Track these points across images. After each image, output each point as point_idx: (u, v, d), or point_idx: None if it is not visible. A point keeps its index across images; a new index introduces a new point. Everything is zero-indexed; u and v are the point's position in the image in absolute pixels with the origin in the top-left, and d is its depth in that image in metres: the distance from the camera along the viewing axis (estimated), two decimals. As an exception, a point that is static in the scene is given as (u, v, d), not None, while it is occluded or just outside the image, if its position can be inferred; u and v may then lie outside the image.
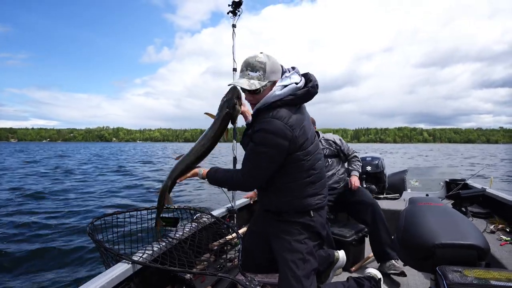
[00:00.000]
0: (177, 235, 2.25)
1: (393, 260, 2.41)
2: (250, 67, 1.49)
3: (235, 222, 3.05)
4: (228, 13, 3.39)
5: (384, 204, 3.94)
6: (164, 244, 2.07)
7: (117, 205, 8.50)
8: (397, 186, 4.92)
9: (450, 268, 1.67)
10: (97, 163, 26.69)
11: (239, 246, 2.09)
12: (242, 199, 3.48)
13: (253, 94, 1.53)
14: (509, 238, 2.57)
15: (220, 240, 2.46)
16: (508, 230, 2.79)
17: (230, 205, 3.12)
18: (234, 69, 3.29)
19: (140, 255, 1.82)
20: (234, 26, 3.33)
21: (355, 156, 3.06)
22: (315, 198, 1.62)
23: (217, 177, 1.65)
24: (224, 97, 1.65)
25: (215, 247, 2.44)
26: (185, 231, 2.32)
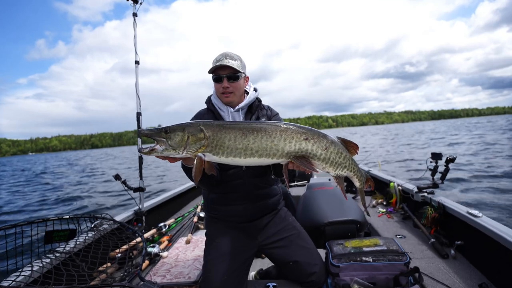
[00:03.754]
0: (68, 248, 1.98)
1: None
2: (228, 56, 1.56)
3: (143, 225, 2.87)
4: (128, 0, 3.11)
5: (295, 191, 4.29)
6: (48, 261, 1.79)
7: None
8: (305, 173, 5.42)
9: (335, 242, 1.93)
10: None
11: (143, 250, 1.97)
12: (151, 200, 3.29)
13: (232, 81, 1.56)
14: (384, 210, 3.12)
15: (123, 247, 2.27)
16: (384, 203, 3.39)
17: (137, 207, 2.91)
18: (137, 62, 3.05)
19: (13, 278, 1.53)
20: (135, 15, 3.07)
21: None
22: None
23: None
24: None
25: (118, 255, 2.24)
26: (78, 242, 2.06)
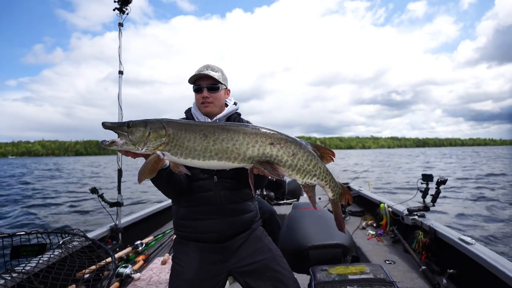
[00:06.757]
0: (28, 268, 1.80)
1: None
2: (210, 68, 1.58)
3: (118, 242, 2.68)
4: (114, 9, 3.07)
5: (283, 209, 4.14)
6: (2, 282, 1.62)
7: None
8: (295, 191, 5.29)
9: (319, 268, 1.79)
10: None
11: (111, 272, 1.80)
12: (129, 215, 3.11)
13: (212, 92, 1.56)
14: (374, 232, 2.99)
15: (91, 267, 2.09)
16: (374, 225, 3.26)
17: (114, 223, 2.74)
18: (120, 72, 2.98)
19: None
20: (120, 24, 3.03)
21: None
22: None
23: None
24: None
25: (85, 276, 2.06)
26: (41, 261, 1.88)
